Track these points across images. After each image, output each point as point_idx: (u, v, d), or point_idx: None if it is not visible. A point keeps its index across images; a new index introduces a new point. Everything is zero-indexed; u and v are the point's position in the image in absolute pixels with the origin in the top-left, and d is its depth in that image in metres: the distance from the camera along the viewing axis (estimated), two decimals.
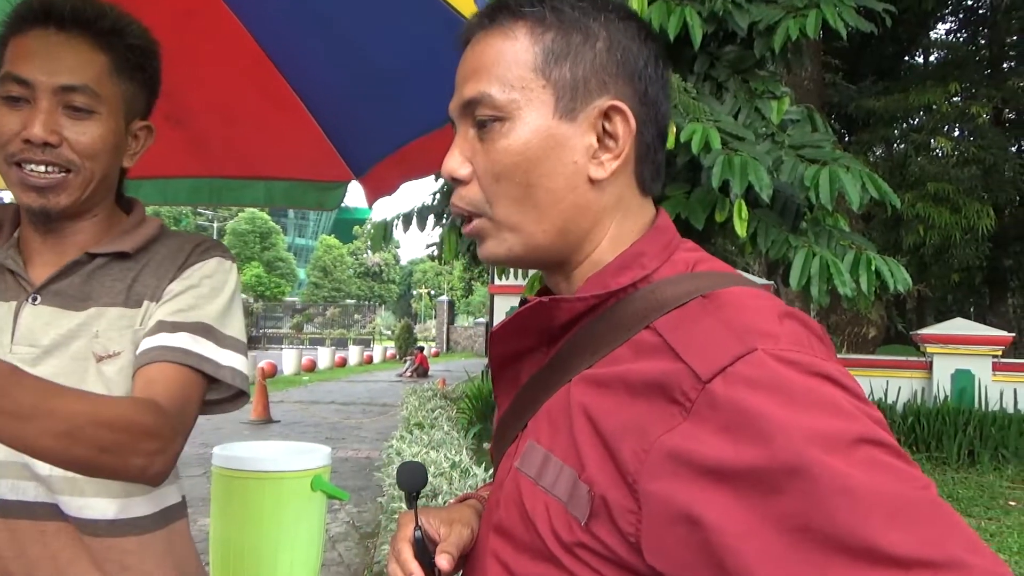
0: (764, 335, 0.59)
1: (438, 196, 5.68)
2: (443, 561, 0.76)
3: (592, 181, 0.71)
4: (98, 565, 1.06)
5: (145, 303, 1.10)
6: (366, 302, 52.65)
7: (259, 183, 2.40)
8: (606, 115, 0.70)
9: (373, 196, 2.19)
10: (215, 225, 50.88)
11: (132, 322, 1.09)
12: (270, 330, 38.59)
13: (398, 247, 66.20)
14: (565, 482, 0.65)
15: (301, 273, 58.29)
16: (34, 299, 1.07)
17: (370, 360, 26.49)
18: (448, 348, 33.58)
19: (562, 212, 0.71)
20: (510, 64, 0.70)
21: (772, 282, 9.88)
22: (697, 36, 4.01)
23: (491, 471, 0.80)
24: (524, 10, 0.71)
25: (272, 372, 16.88)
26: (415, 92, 1.69)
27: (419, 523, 0.79)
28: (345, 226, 60.01)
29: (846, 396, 0.57)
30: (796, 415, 0.54)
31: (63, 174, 1.04)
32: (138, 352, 1.06)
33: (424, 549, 0.79)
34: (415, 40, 1.64)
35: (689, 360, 0.59)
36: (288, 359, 20.45)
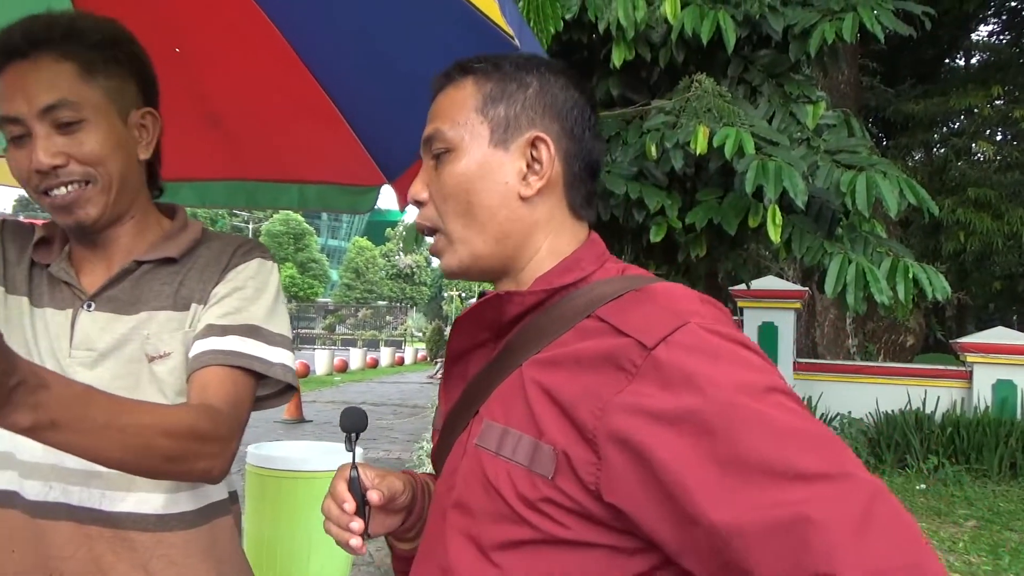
0: (693, 312, 0.74)
1: None
2: (373, 495, 0.87)
3: (522, 198, 0.86)
4: (142, 565, 1.09)
5: (193, 306, 1.15)
6: (398, 304, 52.97)
7: (293, 186, 2.43)
8: (533, 144, 0.86)
9: (405, 200, 2.21)
10: (250, 226, 51.60)
11: (181, 324, 1.14)
12: (303, 330, 39.07)
13: None
14: (525, 448, 0.76)
15: (334, 274, 58.83)
16: (88, 306, 1.13)
17: (401, 362, 26.66)
18: None
19: (499, 224, 0.86)
20: (459, 107, 0.88)
21: (807, 288, 9.74)
22: (730, 40, 3.98)
23: None
24: (474, 66, 0.90)
25: (305, 372, 17.07)
26: None
27: (355, 465, 0.89)
28: (378, 228, 60.44)
29: (758, 357, 0.73)
30: (724, 370, 0.69)
31: (85, 186, 1.08)
32: (191, 356, 1.11)
33: (357, 488, 0.88)
34: (446, 46, 1.65)
35: (634, 334, 0.73)
36: (320, 359, 20.66)
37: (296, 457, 2.53)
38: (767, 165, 3.50)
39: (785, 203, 3.67)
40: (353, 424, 0.95)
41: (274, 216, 49.35)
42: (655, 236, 4.02)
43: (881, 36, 4.00)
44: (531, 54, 0.94)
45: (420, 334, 39.61)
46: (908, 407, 9.01)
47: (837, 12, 4.11)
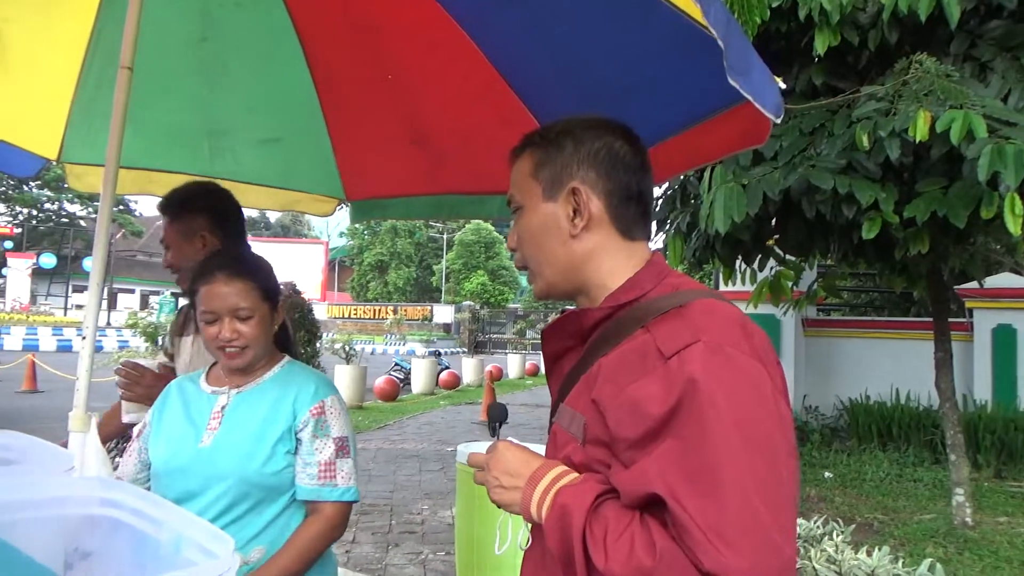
0: (705, 331, 0.94)
1: (660, 203, 5.62)
2: None
3: (572, 236, 1.10)
4: None
5: None
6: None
7: (494, 197, 2.53)
8: (572, 192, 1.10)
9: None
10: (444, 236, 54.37)
11: None
12: (494, 335, 40.43)
13: None
14: (577, 425, 1.03)
15: (523, 280, 60.32)
16: None
17: None
18: None
19: (559, 259, 1.12)
20: (521, 175, 1.15)
21: None
22: (954, 15, 3.59)
23: None
24: (530, 140, 1.17)
25: (498, 375, 17.66)
26: (644, 102, 1.69)
27: (497, 438, 1.19)
28: None
29: (748, 385, 0.91)
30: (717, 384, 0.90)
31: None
32: None
33: None
34: (644, 52, 1.64)
35: (660, 345, 0.95)
36: (512, 364, 21.30)
37: None
38: (1004, 149, 3.11)
39: None
40: (498, 416, 1.34)
41: (466, 226, 51.61)
42: (868, 232, 3.71)
43: None
44: (572, 119, 1.15)
45: None
46: None
47: None
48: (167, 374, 1.99)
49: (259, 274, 1.65)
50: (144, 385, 1.96)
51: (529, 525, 1.10)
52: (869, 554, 3.01)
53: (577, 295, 1.15)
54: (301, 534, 1.57)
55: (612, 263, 1.10)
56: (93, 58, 2.27)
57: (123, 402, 1.99)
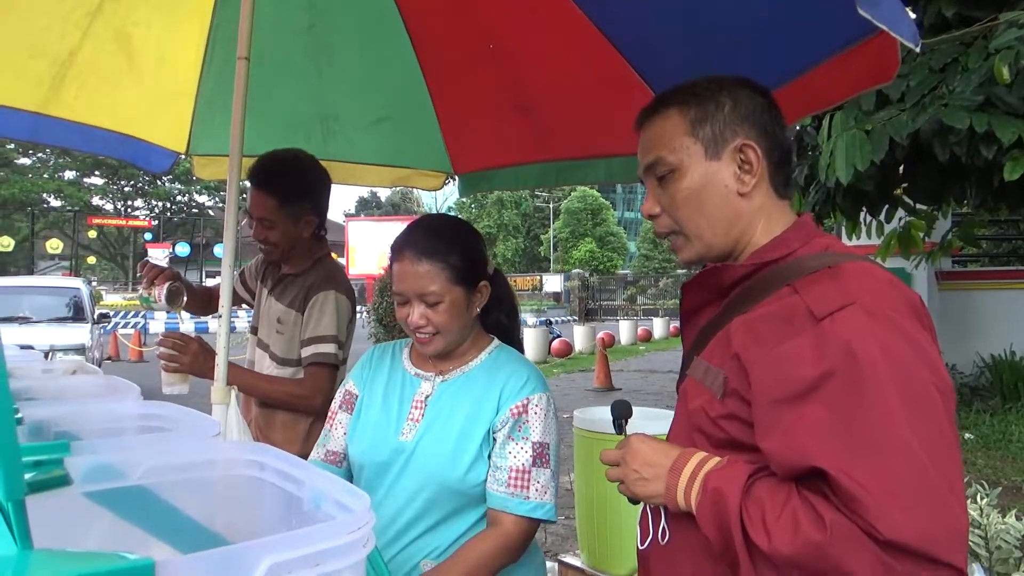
0: (860, 293, 0.92)
1: None
2: None
3: (741, 195, 1.08)
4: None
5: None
6: (696, 271, 52.02)
7: (600, 161, 2.49)
8: (740, 150, 1.08)
9: None
10: (551, 206, 54.29)
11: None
12: (604, 302, 40.16)
13: None
14: (714, 378, 1.02)
15: (631, 246, 59.44)
16: None
17: None
18: None
19: (725, 218, 1.09)
20: (671, 135, 1.10)
21: None
22: None
23: None
24: (674, 98, 1.12)
25: (610, 342, 17.59)
26: (759, 48, 1.62)
27: (624, 434, 1.16)
28: None
29: (907, 346, 0.89)
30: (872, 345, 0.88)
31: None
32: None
33: None
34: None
35: (811, 306, 0.93)
36: (624, 329, 21.12)
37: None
38: None
39: None
40: (621, 412, 1.25)
41: (572, 193, 51.28)
42: (1011, 174, 3.41)
43: None
44: (714, 77, 1.12)
45: None
46: None
47: None
48: (208, 347, 1.91)
49: (452, 253, 1.42)
50: (190, 354, 1.88)
51: (663, 518, 1.09)
52: (1019, 519, 2.81)
53: (729, 256, 1.12)
54: (473, 548, 1.36)
55: (769, 222, 1.09)
56: (213, 53, 2.40)
57: (164, 374, 1.90)
